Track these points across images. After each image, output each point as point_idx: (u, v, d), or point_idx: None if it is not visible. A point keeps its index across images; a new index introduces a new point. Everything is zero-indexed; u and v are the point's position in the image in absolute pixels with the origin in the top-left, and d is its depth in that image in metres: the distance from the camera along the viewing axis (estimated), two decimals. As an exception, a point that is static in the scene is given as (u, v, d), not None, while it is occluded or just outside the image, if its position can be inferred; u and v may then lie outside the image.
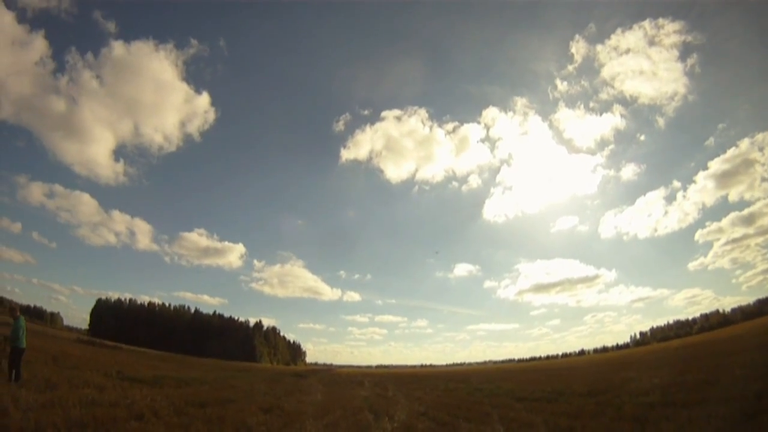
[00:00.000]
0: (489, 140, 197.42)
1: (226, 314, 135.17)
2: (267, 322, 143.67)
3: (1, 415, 7.01)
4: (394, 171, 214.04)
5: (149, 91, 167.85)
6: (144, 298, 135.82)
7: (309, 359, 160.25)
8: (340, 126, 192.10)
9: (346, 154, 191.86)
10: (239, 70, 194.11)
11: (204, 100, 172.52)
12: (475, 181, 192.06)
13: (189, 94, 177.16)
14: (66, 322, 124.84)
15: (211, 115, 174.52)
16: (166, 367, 33.96)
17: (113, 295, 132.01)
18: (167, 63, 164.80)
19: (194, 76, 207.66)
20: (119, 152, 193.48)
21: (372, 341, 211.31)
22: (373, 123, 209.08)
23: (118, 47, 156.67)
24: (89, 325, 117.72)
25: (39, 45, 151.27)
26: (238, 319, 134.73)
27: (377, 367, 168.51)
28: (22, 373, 11.05)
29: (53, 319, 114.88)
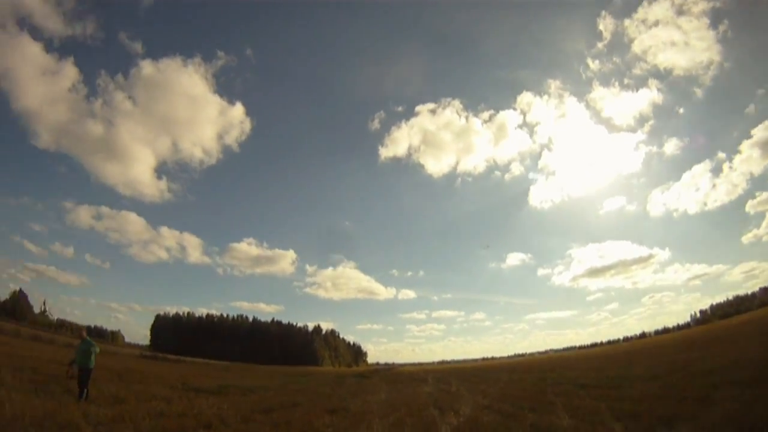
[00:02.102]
0: (527, 126, 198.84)
1: (284, 320, 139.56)
2: (325, 326, 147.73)
3: (73, 430, 7.74)
4: (435, 165, 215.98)
5: (183, 106, 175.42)
6: (201, 311, 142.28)
7: (370, 359, 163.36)
8: (375, 124, 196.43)
9: (385, 152, 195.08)
10: (269, 77, 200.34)
11: (238, 110, 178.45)
12: (517, 169, 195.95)
13: (222, 106, 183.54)
14: (127, 339, 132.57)
15: (247, 125, 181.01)
16: (229, 376, 35.67)
17: (171, 310, 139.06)
18: (197, 77, 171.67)
19: (225, 87, 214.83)
20: (161, 169, 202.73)
21: (431, 337, 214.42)
22: (408, 119, 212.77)
23: (146, 66, 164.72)
24: (150, 340, 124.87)
25: (69, 72, 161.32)
26: (296, 324, 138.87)
27: (439, 363, 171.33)
28: (90, 391, 12.01)
29: (114, 337, 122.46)
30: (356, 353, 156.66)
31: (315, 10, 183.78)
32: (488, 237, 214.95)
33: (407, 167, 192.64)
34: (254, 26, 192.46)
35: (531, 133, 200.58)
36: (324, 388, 27.54)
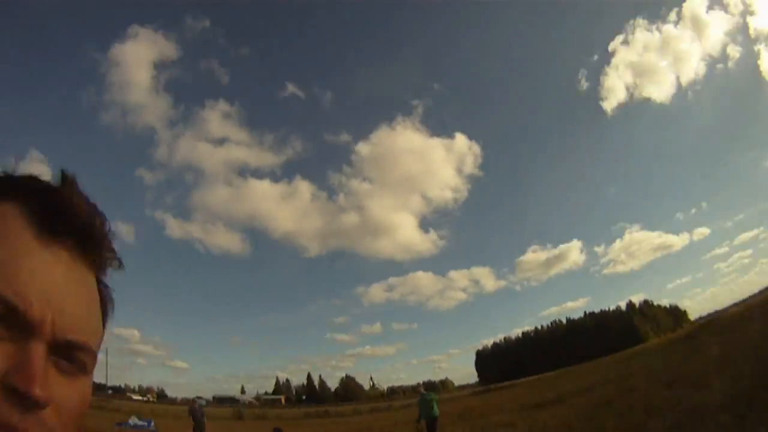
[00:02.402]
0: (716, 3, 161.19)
1: (596, 310, 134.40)
2: (637, 299, 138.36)
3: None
4: (658, 91, 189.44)
5: (412, 162, 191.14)
6: (516, 332, 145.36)
7: (692, 316, 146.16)
8: (582, 84, 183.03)
9: (608, 105, 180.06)
10: (464, 100, 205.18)
11: (460, 140, 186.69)
12: (734, 51, 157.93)
13: (445, 144, 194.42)
14: (456, 383, 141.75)
15: (475, 148, 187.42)
16: (561, 383, 35.02)
17: (488, 342, 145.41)
18: (409, 131, 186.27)
19: (436, 126, 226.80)
20: (423, 224, 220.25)
21: (742, 267, 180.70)
22: (608, 61, 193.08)
23: (362, 148, 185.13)
24: (478, 376, 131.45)
25: (302, 186, 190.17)
26: (609, 309, 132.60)
27: (760, 292, 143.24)
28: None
29: (444, 385, 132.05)
30: (676, 315, 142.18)
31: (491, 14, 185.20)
32: (745, 135, 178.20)
33: (636, 108, 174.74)
34: (439, 59, 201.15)
35: (723, 7, 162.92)
36: (655, 363, 25.69)
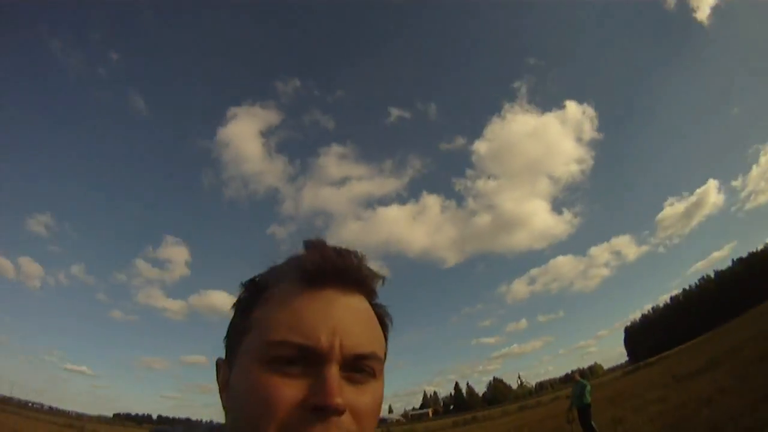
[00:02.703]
0: None
1: (744, 254, 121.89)
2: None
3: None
4: None
5: (531, 146, 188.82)
6: (663, 299, 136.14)
7: None
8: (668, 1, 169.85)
9: (701, 15, 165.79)
10: (565, 62, 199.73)
11: (571, 109, 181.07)
12: None
13: (558, 116, 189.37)
14: (607, 365, 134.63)
15: (589, 111, 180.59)
16: (714, 346, 32.44)
17: (635, 316, 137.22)
18: (521, 115, 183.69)
19: (547, 101, 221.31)
20: (555, 206, 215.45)
21: None
22: None
23: (479, 146, 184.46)
24: (627, 354, 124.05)
25: (431, 201, 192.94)
26: (757, 249, 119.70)
27: None
28: (594, 426, 12.54)
29: (593, 371, 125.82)
30: None
31: None
32: None
33: (731, 5, 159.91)
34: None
35: None
36: None
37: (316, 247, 0.64)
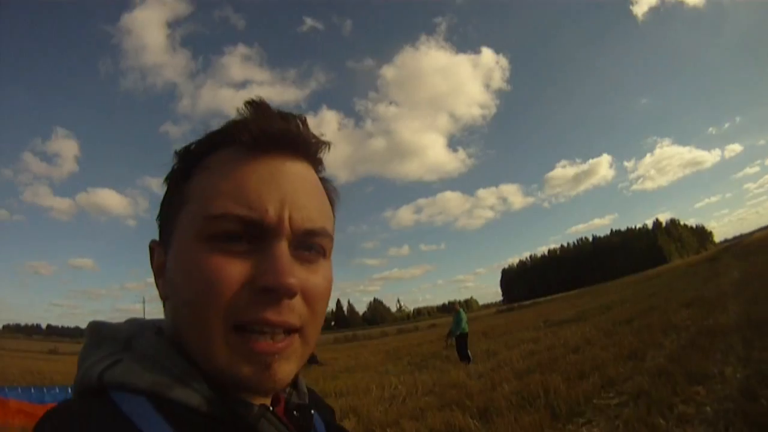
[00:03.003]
0: None
1: (622, 228, 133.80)
2: (663, 218, 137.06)
3: (461, 386, 8.83)
4: None
5: (439, 81, 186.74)
6: (541, 250, 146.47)
7: (717, 238, 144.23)
8: None
9: (638, 9, 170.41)
10: (492, 11, 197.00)
11: (487, 55, 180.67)
12: None
13: (472, 60, 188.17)
14: (481, 301, 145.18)
15: (503, 62, 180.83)
16: (584, 301, 35.96)
17: (513, 261, 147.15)
18: (434, 50, 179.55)
19: (461, 42, 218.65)
20: (452, 143, 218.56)
21: None
22: None
23: (387, 71, 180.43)
24: (502, 295, 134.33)
25: (329, 117, 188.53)
26: (635, 227, 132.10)
27: None
28: (470, 355, 13.51)
29: (469, 304, 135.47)
30: (701, 236, 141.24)
31: None
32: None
33: (667, 11, 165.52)
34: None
35: None
36: (677, 283, 26.74)
37: (259, 108, 0.55)
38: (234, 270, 0.48)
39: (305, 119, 0.57)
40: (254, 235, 0.50)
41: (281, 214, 0.50)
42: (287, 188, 0.52)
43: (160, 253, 0.58)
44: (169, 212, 0.57)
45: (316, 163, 0.59)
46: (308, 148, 0.57)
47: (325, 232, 0.55)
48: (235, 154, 0.53)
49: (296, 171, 0.54)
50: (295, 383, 0.65)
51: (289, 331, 0.51)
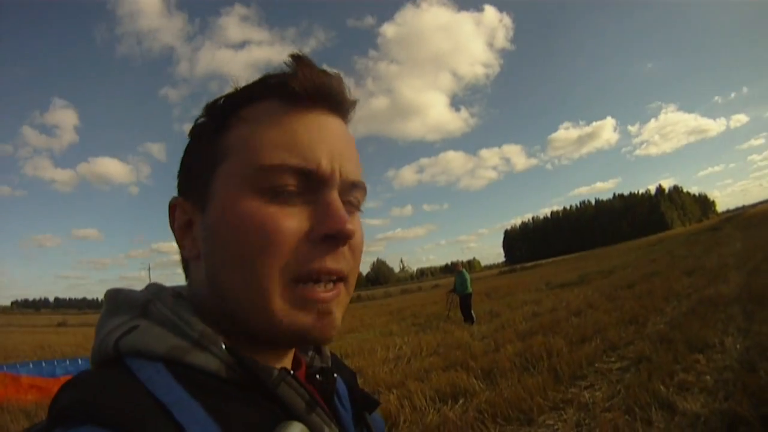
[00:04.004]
0: None
1: (625, 192, 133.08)
2: (667, 184, 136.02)
3: (465, 345, 8.99)
4: None
5: (441, 39, 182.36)
6: (544, 212, 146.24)
7: (719, 208, 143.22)
8: None
9: None
10: None
11: (489, 12, 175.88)
12: None
13: (474, 18, 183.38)
14: (484, 262, 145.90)
15: (506, 20, 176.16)
16: (586, 265, 36.04)
17: (516, 222, 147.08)
18: (436, 8, 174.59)
19: (461, 0, 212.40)
20: (455, 102, 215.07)
21: None
22: None
23: (387, 29, 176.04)
24: (505, 256, 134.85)
25: None
26: (638, 192, 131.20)
27: None
28: (473, 315, 13.64)
29: (471, 265, 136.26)
30: (704, 205, 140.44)
31: None
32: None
33: None
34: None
35: None
36: (678, 250, 26.88)
37: (305, 62, 0.54)
38: (292, 222, 0.49)
39: (342, 77, 0.58)
40: (307, 186, 0.51)
41: (333, 166, 0.51)
42: (334, 141, 0.53)
43: (186, 211, 0.56)
44: (201, 166, 0.54)
45: (348, 120, 0.60)
46: (347, 105, 0.58)
47: (364, 186, 0.57)
48: (281, 106, 0.53)
49: (338, 126, 0.56)
50: (317, 347, 0.66)
51: (338, 279, 0.52)
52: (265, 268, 0.48)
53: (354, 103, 0.59)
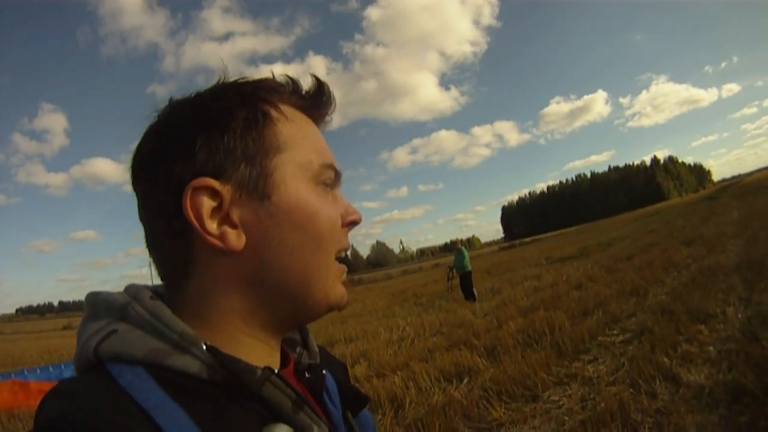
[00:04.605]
0: None
1: (620, 164, 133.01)
2: (661, 155, 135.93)
3: (468, 324, 9.04)
4: None
5: (426, 19, 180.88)
6: (541, 186, 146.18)
7: (715, 177, 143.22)
8: None
9: None
10: None
11: None
12: None
13: None
14: (483, 239, 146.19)
15: None
16: (585, 238, 36.17)
17: (513, 198, 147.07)
18: None
19: None
20: (444, 81, 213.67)
21: None
22: None
23: (371, 12, 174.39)
24: (503, 232, 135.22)
25: (317, 62, 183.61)
26: (633, 163, 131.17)
27: None
28: (475, 293, 13.69)
29: (470, 243, 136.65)
30: (699, 175, 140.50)
31: None
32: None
33: None
34: None
35: None
36: (676, 221, 26.88)
37: (322, 85, 0.63)
38: (338, 211, 0.58)
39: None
40: (335, 182, 0.60)
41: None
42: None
43: (216, 194, 0.51)
44: (252, 151, 0.52)
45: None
46: (330, 115, 0.65)
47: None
48: (299, 112, 0.60)
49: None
50: (305, 342, 0.66)
51: None
52: (331, 249, 0.56)
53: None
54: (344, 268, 0.59)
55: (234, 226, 0.51)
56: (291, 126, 0.56)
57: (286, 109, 0.57)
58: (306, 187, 0.55)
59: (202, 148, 0.51)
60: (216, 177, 0.51)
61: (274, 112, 0.55)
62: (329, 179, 0.58)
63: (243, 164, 0.52)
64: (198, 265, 0.52)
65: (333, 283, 0.57)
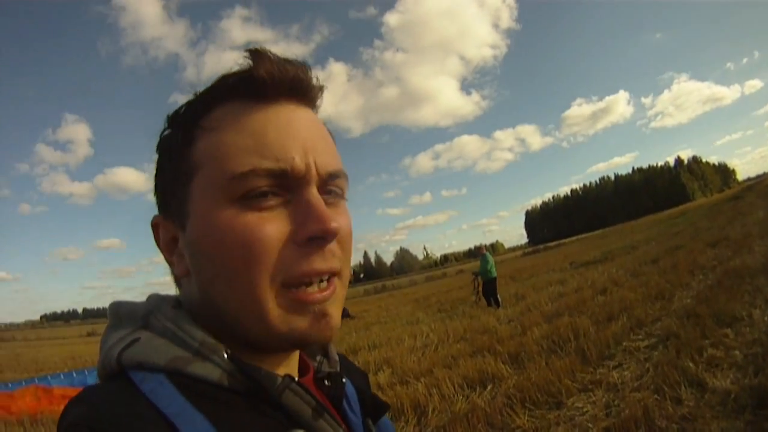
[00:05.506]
0: None
1: (644, 166, 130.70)
2: (685, 155, 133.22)
3: (491, 330, 8.96)
4: None
5: (445, 24, 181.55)
6: (563, 190, 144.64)
7: (740, 176, 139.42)
8: None
9: None
10: None
11: None
12: None
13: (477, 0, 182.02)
14: (507, 245, 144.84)
15: (511, 0, 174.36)
16: (609, 242, 35.55)
17: (536, 202, 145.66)
18: None
19: None
20: (465, 86, 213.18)
21: None
22: None
23: (390, 18, 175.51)
24: (527, 237, 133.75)
25: (337, 69, 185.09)
26: (657, 164, 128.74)
27: None
28: (499, 299, 13.52)
29: (494, 248, 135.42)
30: (724, 174, 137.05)
31: None
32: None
33: None
34: None
35: None
36: (701, 222, 26.26)
37: (261, 55, 0.51)
38: (273, 227, 0.47)
39: (307, 64, 0.55)
40: (283, 187, 0.49)
41: (307, 161, 0.49)
42: (305, 135, 0.51)
43: (168, 228, 0.54)
44: (174, 182, 0.52)
45: (317, 108, 0.57)
46: (314, 93, 0.55)
47: (344, 173, 0.54)
48: (244, 107, 0.50)
49: (308, 117, 0.53)
50: (325, 350, 0.65)
51: (331, 275, 0.51)
52: (254, 278, 0.47)
53: (321, 89, 0.56)
54: (311, 294, 0.49)
55: (180, 256, 0.53)
56: (208, 140, 0.50)
57: (215, 116, 0.51)
58: (215, 209, 0.48)
59: (156, 184, 0.56)
60: (163, 213, 0.55)
61: (195, 130, 0.51)
62: (251, 191, 0.47)
63: (171, 197, 0.53)
64: (181, 287, 0.56)
65: (280, 316, 0.48)
